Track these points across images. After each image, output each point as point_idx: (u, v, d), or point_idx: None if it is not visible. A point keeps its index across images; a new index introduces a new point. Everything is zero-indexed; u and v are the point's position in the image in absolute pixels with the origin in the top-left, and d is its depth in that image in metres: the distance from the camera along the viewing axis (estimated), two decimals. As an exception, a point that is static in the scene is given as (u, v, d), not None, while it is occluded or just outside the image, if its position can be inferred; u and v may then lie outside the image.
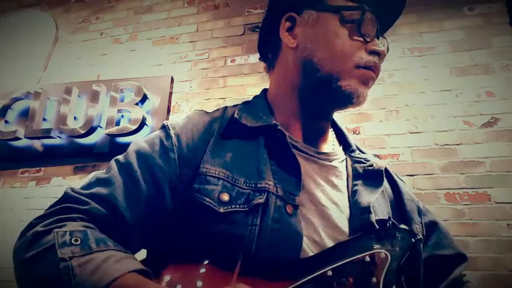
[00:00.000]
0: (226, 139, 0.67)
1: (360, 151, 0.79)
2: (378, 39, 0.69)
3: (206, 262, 0.55)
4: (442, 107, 2.09)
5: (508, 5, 2.18)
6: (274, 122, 0.68)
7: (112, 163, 0.65)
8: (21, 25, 3.12)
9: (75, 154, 2.52)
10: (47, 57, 2.94)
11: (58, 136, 2.51)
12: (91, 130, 2.46)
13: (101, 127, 2.50)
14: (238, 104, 0.76)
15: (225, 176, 0.62)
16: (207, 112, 0.74)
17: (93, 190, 0.60)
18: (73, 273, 0.48)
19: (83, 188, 0.62)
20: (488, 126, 1.99)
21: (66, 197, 0.60)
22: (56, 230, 0.52)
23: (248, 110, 0.72)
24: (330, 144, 0.77)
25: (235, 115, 0.70)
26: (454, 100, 2.09)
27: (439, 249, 0.74)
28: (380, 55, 0.67)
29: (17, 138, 2.53)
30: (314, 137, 0.73)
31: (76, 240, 0.51)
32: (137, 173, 0.62)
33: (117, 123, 2.46)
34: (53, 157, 2.55)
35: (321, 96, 0.70)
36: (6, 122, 2.61)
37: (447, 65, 2.17)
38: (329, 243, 0.61)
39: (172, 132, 0.67)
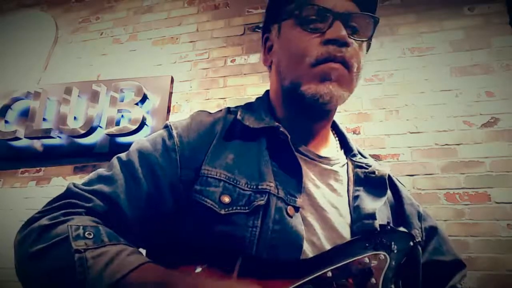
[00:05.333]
0: (228, 140, 0.67)
1: (362, 155, 0.78)
2: (346, 22, 0.64)
3: (204, 265, 0.55)
4: (442, 107, 2.09)
5: (508, 5, 2.18)
6: (277, 124, 0.68)
7: (114, 160, 0.65)
8: (21, 25, 3.12)
9: (75, 154, 2.52)
10: (47, 57, 2.94)
11: (58, 136, 2.51)
12: (91, 130, 2.45)
13: (101, 127, 2.50)
14: (241, 105, 0.77)
15: (226, 177, 0.61)
16: (210, 113, 0.74)
17: (96, 187, 0.60)
18: (87, 265, 0.48)
19: (85, 184, 0.62)
20: (488, 126, 1.99)
21: (69, 193, 0.60)
22: (69, 223, 0.52)
23: (250, 111, 0.72)
24: (332, 148, 0.76)
25: (238, 116, 0.70)
26: (454, 100, 2.09)
27: (438, 255, 0.73)
28: (338, 41, 0.62)
29: (17, 138, 2.53)
30: (313, 140, 0.73)
31: (89, 234, 0.51)
32: (138, 171, 0.62)
33: (117, 123, 2.46)
34: (53, 157, 2.55)
35: (293, 104, 0.70)
36: (6, 122, 2.61)
37: (447, 65, 2.17)
38: (328, 246, 0.61)
39: (174, 132, 0.67)
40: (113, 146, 2.45)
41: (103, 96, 2.54)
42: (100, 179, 0.62)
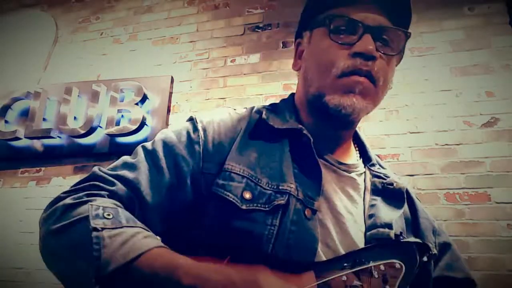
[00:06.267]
0: (252, 139, 0.68)
1: (380, 165, 0.78)
2: (377, 36, 0.65)
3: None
4: (442, 107, 2.09)
5: (508, 5, 2.18)
6: (300, 126, 0.68)
7: (139, 149, 0.67)
8: (21, 25, 3.12)
9: (75, 154, 2.52)
10: (47, 57, 2.94)
11: (58, 136, 2.51)
12: (91, 130, 2.46)
13: (101, 127, 2.50)
14: (266, 105, 0.78)
15: (249, 175, 0.62)
16: (234, 110, 0.75)
17: (120, 172, 0.62)
18: (103, 243, 0.49)
19: (110, 169, 0.64)
20: (488, 126, 1.99)
21: (94, 176, 0.62)
22: (90, 203, 0.54)
23: (275, 112, 0.74)
24: (352, 156, 0.76)
25: (263, 116, 0.71)
26: (454, 100, 2.09)
27: (449, 271, 0.74)
28: (365, 54, 0.63)
29: (17, 138, 2.53)
30: (334, 147, 0.73)
31: (109, 215, 0.53)
32: (161, 161, 0.64)
33: (117, 123, 2.46)
34: (53, 157, 2.55)
35: (317, 111, 0.71)
36: (6, 122, 2.62)
37: (447, 65, 2.17)
38: (342, 251, 0.62)
39: (199, 126, 0.68)
40: (113, 146, 2.46)
41: (103, 96, 2.54)
42: (125, 165, 0.63)
